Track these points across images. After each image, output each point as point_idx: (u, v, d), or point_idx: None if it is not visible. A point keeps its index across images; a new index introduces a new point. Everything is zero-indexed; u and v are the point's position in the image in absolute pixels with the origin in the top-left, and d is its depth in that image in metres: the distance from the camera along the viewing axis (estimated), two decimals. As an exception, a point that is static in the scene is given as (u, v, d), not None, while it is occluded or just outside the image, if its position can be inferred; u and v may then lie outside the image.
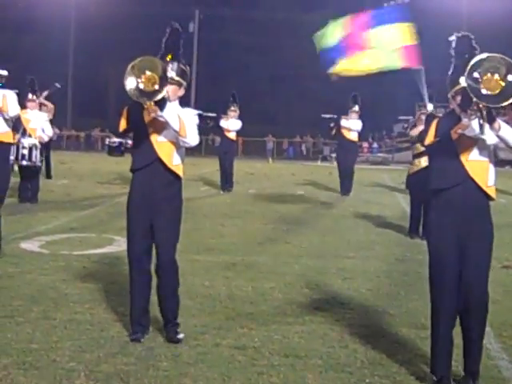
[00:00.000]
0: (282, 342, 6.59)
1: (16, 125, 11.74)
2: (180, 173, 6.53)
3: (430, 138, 5.65)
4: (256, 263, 10.04)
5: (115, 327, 6.78)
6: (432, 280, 5.72)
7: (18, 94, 8.86)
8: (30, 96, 15.89)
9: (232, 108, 20.76)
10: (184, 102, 6.74)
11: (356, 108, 20.85)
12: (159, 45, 6.65)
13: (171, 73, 6.43)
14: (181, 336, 6.46)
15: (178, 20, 6.86)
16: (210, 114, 21.18)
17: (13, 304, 7.41)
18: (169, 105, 6.19)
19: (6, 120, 8.44)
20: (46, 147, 18.78)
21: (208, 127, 21.40)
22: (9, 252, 9.74)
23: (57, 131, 24.23)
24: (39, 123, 16.20)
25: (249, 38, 66.55)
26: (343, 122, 20.70)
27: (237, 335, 6.71)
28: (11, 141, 8.74)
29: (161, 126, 6.31)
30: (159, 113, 6.11)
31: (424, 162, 12.06)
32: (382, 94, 62.79)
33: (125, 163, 24.56)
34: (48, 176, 21.45)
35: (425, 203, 11.74)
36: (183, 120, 6.30)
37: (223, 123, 20.62)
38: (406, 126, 21.97)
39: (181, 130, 6.30)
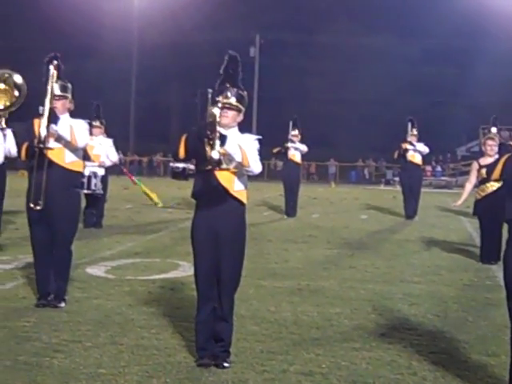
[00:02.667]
0: (349, 368, 6.51)
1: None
2: (243, 199, 6.51)
3: (496, 175, 5.57)
4: (321, 288, 9.97)
5: (182, 352, 6.77)
6: None
7: (89, 124, 8.89)
8: (94, 122, 16.06)
9: (293, 133, 20.76)
10: (245, 127, 6.74)
11: (414, 131, 20.75)
12: (220, 71, 6.67)
13: (231, 98, 6.46)
14: (226, 365, 6.43)
15: (238, 45, 6.90)
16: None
17: (81, 329, 7.47)
18: (230, 137, 6.20)
19: (74, 150, 8.49)
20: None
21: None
22: (75, 277, 9.81)
23: (121, 156, 24.49)
24: (103, 149, 16.37)
25: (310, 62, 66.71)
26: (407, 146, 20.56)
27: (304, 361, 6.65)
28: (80, 170, 8.80)
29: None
30: (220, 149, 6.11)
31: (491, 186, 11.90)
32: (444, 117, 62.35)
33: (187, 188, 24.58)
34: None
35: (496, 230, 11.56)
36: (244, 149, 6.29)
37: (290, 146, 20.58)
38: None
39: (244, 160, 6.29)
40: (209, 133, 6.11)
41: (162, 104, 73.11)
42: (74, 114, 8.82)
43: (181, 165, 17.72)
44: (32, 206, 8.30)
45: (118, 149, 17.41)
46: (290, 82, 67.35)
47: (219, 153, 6.08)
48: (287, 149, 20.59)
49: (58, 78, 8.41)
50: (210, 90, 6.40)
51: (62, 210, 8.39)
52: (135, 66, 67.10)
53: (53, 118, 8.22)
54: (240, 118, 6.62)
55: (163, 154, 63.03)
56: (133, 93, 67.52)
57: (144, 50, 65.75)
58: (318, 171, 55.99)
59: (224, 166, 6.20)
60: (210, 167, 6.18)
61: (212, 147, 6.09)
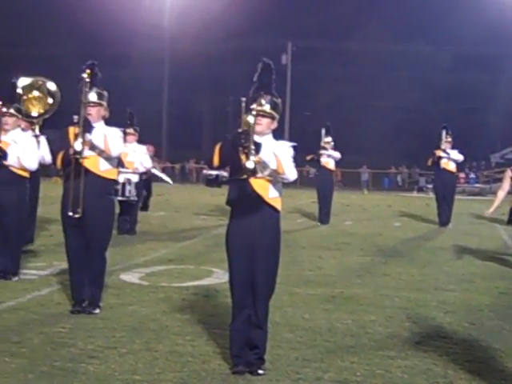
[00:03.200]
0: (384, 376, 6.48)
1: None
2: (277, 206, 6.52)
3: None
4: (355, 295, 9.94)
5: (216, 360, 6.77)
6: None
7: (124, 132, 8.92)
8: (128, 129, 16.13)
9: (326, 140, 20.73)
10: (277, 134, 6.74)
11: (449, 139, 20.63)
12: (252, 78, 6.68)
13: (265, 106, 6.48)
14: (261, 372, 6.43)
15: (270, 52, 6.90)
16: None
17: (115, 335, 7.50)
18: (264, 145, 6.21)
19: (109, 159, 8.53)
20: (147, 180, 19.10)
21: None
22: (110, 284, 9.83)
23: (154, 164, 24.57)
24: (137, 156, 16.44)
25: (342, 69, 66.54)
26: (441, 153, 20.45)
27: (338, 369, 6.62)
28: (115, 177, 8.84)
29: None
30: (256, 158, 6.12)
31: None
32: (478, 124, 61.94)
33: (220, 195, 24.72)
34: (144, 208, 21.07)
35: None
36: (279, 157, 6.30)
37: (323, 153, 20.55)
38: None
39: (279, 168, 6.30)
40: (243, 141, 6.12)
41: (194, 112, 73.32)
42: (107, 122, 8.86)
43: (214, 172, 17.81)
44: (70, 214, 8.36)
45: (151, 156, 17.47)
46: (322, 89, 67.27)
47: (254, 161, 6.09)
48: (320, 156, 20.57)
49: (94, 85, 8.47)
50: (243, 99, 6.40)
51: (97, 217, 8.44)
52: (167, 74, 67.31)
53: (87, 127, 8.27)
54: (274, 125, 6.62)
55: (195, 160, 63.24)
56: (165, 101, 67.75)
57: (176, 58, 65.93)
58: (350, 178, 55.77)
59: (259, 174, 6.22)
60: (244, 176, 6.19)
61: (247, 156, 6.10)
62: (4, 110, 10.34)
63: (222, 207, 21.13)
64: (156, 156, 18.88)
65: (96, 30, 62.55)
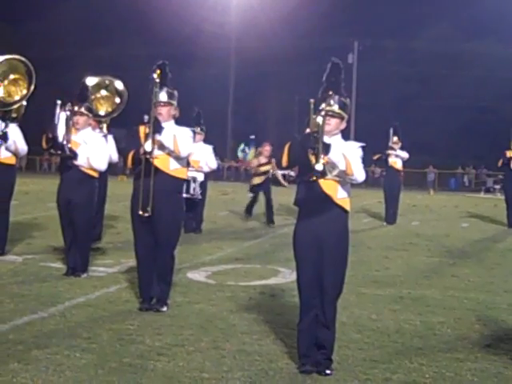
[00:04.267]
0: (453, 379, 6.40)
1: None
2: (346, 206, 6.50)
3: None
4: (423, 296, 9.84)
5: (284, 359, 6.76)
6: None
7: (193, 132, 8.97)
8: (195, 129, 16.19)
9: (394, 140, 20.56)
10: (344, 134, 6.71)
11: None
12: (319, 78, 6.65)
13: (334, 106, 6.45)
14: (329, 372, 6.39)
15: (336, 51, 6.87)
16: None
17: (183, 333, 7.54)
18: (333, 146, 6.17)
19: (178, 159, 8.58)
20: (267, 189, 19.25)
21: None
22: (177, 282, 9.89)
23: (219, 163, 24.65)
24: (203, 155, 16.51)
25: (409, 68, 66.01)
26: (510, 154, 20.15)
27: (407, 370, 6.56)
28: (184, 177, 8.87)
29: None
30: (325, 160, 6.10)
31: None
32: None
33: (286, 194, 24.66)
34: (270, 220, 19.49)
35: None
36: (348, 158, 6.27)
37: (391, 153, 20.40)
38: None
39: (347, 169, 6.27)
40: (313, 143, 6.10)
41: (260, 111, 73.45)
42: (182, 123, 8.92)
43: (280, 171, 17.75)
44: (141, 213, 8.44)
45: (216, 155, 17.52)
46: (388, 88, 66.78)
47: (323, 163, 6.06)
48: (388, 156, 20.41)
49: (164, 85, 8.52)
50: (312, 100, 6.38)
51: (167, 215, 8.49)
52: (233, 73, 67.52)
53: (157, 128, 8.34)
54: (343, 125, 6.60)
55: (261, 160, 63.27)
56: (231, 100, 67.96)
57: (242, 57, 66.12)
58: (416, 178, 55.28)
59: (328, 176, 6.19)
60: (313, 179, 6.17)
61: (316, 158, 6.07)
62: (75, 108, 10.48)
63: (287, 206, 21.12)
64: (271, 156, 18.63)
65: (162, 29, 63.07)
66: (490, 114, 63.37)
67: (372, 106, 63.66)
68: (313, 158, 6.11)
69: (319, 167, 6.04)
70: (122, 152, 10.61)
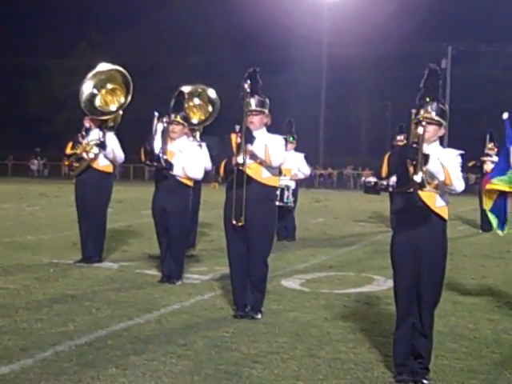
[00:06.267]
0: (555, 390, 6.24)
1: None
2: (444, 215, 6.44)
3: None
4: (522, 306, 9.63)
5: (379, 367, 6.70)
6: None
7: (285, 139, 8.95)
8: (287, 136, 16.19)
9: (490, 146, 20.22)
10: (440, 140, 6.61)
11: None
12: (413, 83, 6.58)
13: (432, 113, 6.36)
14: (426, 382, 6.29)
15: (430, 57, 6.78)
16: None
17: (278, 340, 7.54)
18: (432, 156, 6.08)
19: (270, 167, 8.58)
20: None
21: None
22: (271, 289, 9.90)
23: (311, 170, 24.66)
24: (295, 163, 16.54)
25: (505, 72, 64.85)
26: None
27: (507, 381, 6.43)
28: (276, 185, 8.88)
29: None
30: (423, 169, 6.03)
31: None
32: None
33: (378, 202, 24.54)
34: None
35: None
36: (447, 168, 6.17)
37: (487, 160, 20.06)
38: None
39: (446, 179, 6.18)
40: (412, 154, 6.02)
41: (352, 117, 73.24)
42: (268, 128, 8.92)
43: (373, 179, 17.64)
44: (234, 222, 8.48)
45: (308, 162, 17.54)
46: (483, 93, 65.74)
47: (422, 176, 5.97)
48: (484, 162, 20.07)
49: (256, 93, 8.54)
50: (413, 110, 6.33)
51: (259, 223, 8.50)
52: (325, 79, 67.40)
53: (249, 137, 8.35)
54: (442, 132, 6.52)
55: (353, 167, 63.11)
56: (322, 106, 67.86)
57: (334, 62, 66.00)
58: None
59: (427, 188, 6.11)
60: (411, 190, 6.11)
61: (415, 169, 5.99)
62: (172, 117, 10.60)
63: (380, 214, 20.97)
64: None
65: (254, 36, 63.47)
66: None
67: (466, 112, 62.73)
68: (411, 169, 6.03)
69: (418, 178, 5.96)
70: (214, 160, 10.69)
